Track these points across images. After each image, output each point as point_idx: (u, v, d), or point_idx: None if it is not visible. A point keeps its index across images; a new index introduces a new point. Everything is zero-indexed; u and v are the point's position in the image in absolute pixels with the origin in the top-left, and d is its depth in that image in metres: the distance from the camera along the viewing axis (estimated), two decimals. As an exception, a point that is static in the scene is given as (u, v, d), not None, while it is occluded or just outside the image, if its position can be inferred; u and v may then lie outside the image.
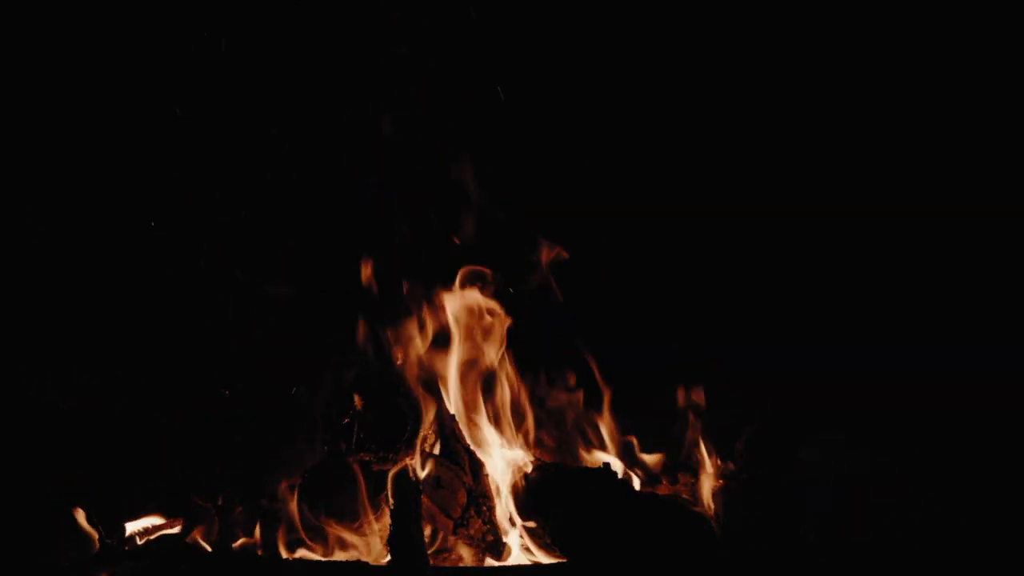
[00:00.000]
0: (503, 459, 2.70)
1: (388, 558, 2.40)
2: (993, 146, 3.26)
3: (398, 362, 2.80)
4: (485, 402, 2.81)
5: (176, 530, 2.68)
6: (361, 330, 2.82)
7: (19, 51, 3.20)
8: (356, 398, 2.69)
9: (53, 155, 3.25)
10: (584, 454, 2.92)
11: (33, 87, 3.22)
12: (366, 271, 2.90)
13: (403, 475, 2.55)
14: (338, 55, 3.28)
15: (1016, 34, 3.20)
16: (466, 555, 2.57)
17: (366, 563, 2.44)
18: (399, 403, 2.66)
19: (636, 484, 2.77)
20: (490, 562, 2.54)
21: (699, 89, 3.39)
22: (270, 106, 3.28)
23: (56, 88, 3.23)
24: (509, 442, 2.77)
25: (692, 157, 3.42)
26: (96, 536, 2.51)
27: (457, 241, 3.04)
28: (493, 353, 2.85)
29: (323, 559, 2.56)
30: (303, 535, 2.63)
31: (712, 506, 2.67)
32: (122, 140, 3.28)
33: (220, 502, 2.66)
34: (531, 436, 2.87)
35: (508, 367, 2.91)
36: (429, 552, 2.45)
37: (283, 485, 2.70)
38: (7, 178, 3.22)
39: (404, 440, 2.60)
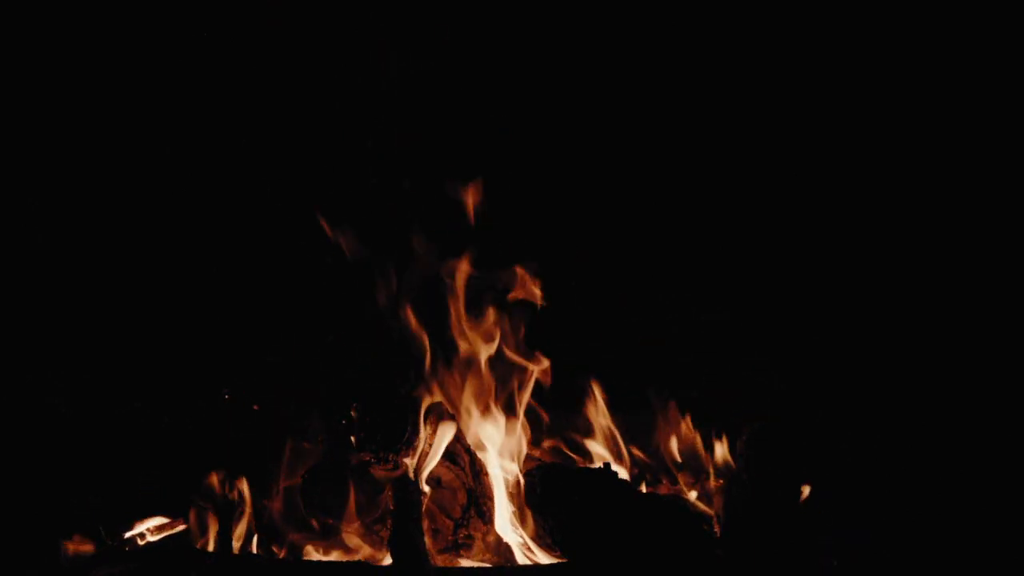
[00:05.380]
0: (504, 459, 2.71)
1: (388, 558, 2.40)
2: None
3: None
4: (486, 402, 2.81)
5: (177, 530, 2.68)
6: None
7: (19, 50, 3.20)
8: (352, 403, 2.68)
9: (53, 155, 3.25)
10: (583, 454, 2.92)
11: (33, 87, 3.22)
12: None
13: (403, 476, 2.55)
14: (338, 55, 3.28)
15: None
16: (466, 555, 2.58)
17: (366, 563, 2.44)
18: (400, 403, 2.66)
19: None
20: (490, 562, 2.54)
21: (703, 88, 3.38)
22: (270, 106, 3.29)
23: (56, 88, 3.23)
24: (510, 442, 2.77)
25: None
26: (96, 537, 2.51)
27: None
28: (493, 352, 2.85)
29: (323, 559, 2.56)
30: (303, 535, 2.63)
31: (712, 506, 2.67)
32: (122, 140, 3.28)
33: (219, 502, 2.66)
34: (531, 436, 2.87)
35: (508, 365, 2.91)
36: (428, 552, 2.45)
37: (283, 485, 2.70)
38: (7, 178, 3.22)
39: (404, 441, 2.60)
